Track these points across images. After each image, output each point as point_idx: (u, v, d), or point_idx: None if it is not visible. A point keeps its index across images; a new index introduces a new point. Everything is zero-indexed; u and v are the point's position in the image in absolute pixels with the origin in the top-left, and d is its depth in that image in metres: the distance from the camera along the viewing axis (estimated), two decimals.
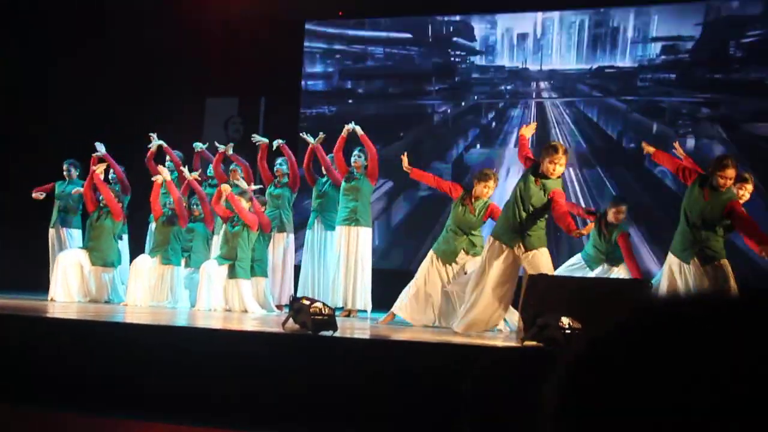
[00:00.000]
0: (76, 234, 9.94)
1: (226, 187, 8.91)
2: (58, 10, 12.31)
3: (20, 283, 10.63)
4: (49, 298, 9.11)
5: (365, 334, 6.56)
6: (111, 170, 10.01)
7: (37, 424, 5.45)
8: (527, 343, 5.30)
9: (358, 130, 8.96)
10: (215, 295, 8.65)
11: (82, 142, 10.51)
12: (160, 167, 9.62)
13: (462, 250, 7.65)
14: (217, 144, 9.93)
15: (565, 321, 5.20)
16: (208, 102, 12.72)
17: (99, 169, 9.52)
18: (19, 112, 12.17)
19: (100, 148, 9.87)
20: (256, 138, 9.78)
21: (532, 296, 5.69)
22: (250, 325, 6.91)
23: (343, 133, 9.11)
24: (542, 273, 6.18)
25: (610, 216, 7.77)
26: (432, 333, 6.76)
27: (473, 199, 7.62)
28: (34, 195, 10.01)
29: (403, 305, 7.61)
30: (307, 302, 5.75)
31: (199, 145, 10.16)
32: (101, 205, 9.51)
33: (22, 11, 12.29)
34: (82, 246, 9.57)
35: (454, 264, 7.67)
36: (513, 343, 5.58)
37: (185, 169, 9.43)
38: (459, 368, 4.93)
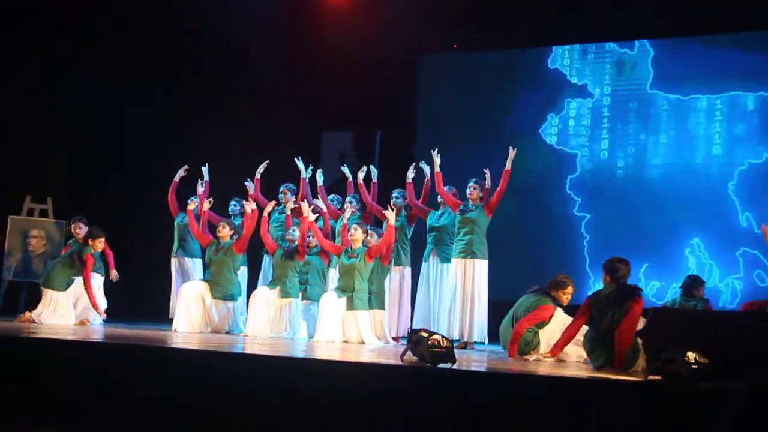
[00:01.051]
0: (198, 263, 10.17)
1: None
2: (176, 42, 12.68)
3: (146, 311, 10.95)
4: (172, 329, 9.34)
5: (482, 367, 6.48)
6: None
7: None
8: (652, 377, 5.13)
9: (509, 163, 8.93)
10: (333, 327, 8.71)
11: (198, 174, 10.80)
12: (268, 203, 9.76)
13: None
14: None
15: (691, 355, 5.02)
16: (324, 136, 12.91)
17: (206, 206, 9.71)
18: (143, 146, 12.59)
19: (206, 173, 10.07)
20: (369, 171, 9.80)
21: (655, 329, 5.53)
22: (367, 356, 6.90)
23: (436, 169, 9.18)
24: (666, 306, 6.01)
25: None
26: (550, 366, 6.63)
27: None
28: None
29: None
30: (425, 334, 5.71)
31: (310, 173, 10.20)
32: (218, 238, 9.69)
33: (138, 44, 12.70)
34: (203, 278, 9.77)
35: None
36: (636, 378, 5.43)
37: (304, 205, 9.48)
38: (581, 402, 4.84)
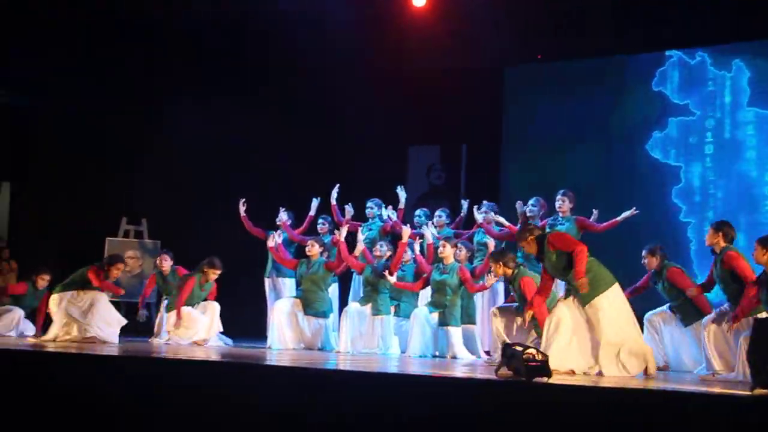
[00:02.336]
0: (290, 283, 10.26)
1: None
2: (263, 66, 12.89)
3: (244, 330, 11.11)
4: (267, 346, 9.45)
5: (578, 380, 6.38)
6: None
7: None
8: (758, 391, 4.99)
9: None
10: (425, 342, 8.70)
11: (289, 193, 10.91)
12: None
13: None
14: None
15: None
16: (410, 150, 12.93)
17: (341, 235, 9.79)
18: (234, 164, 12.80)
19: (350, 210, 10.20)
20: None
21: (760, 341, 5.37)
22: (461, 371, 6.87)
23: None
24: None
25: None
26: (644, 380, 6.50)
27: None
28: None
29: None
30: (520, 348, 5.67)
31: (402, 194, 10.21)
32: (308, 256, 9.78)
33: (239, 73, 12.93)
34: (295, 295, 9.86)
35: None
36: (742, 391, 5.28)
37: (406, 229, 9.43)
38: (683, 416, 4.72)
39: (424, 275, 9.10)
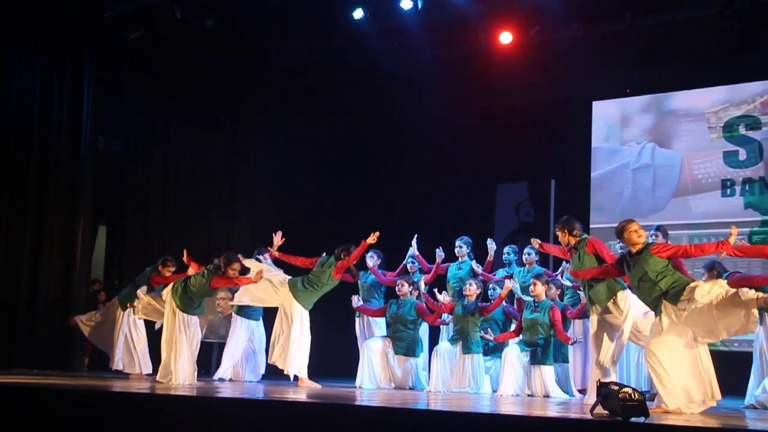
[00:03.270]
0: (381, 321, 10.25)
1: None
2: (356, 109, 13.02)
3: (335, 370, 11.13)
4: (357, 385, 9.45)
5: (679, 420, 6.20)
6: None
7: None
8: None
9: None
10: (517, 381, 8.60)
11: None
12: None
13: None
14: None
15: None
16: (499, 187, 12.88)
17: (423, 283, 9.85)
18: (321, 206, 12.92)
19: (440, 254, 10.14)
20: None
21: None
22: (554, 411, 6.75)
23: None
24: None
25: None
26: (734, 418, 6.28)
27: None
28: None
29: None
30: (616, 387, 5.54)
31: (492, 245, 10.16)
32: (398, 295, 9.79)
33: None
34: (386, 335, 9.84)
35: None
36: None
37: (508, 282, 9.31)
38: None
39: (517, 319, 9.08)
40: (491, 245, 10.03)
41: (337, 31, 12.58)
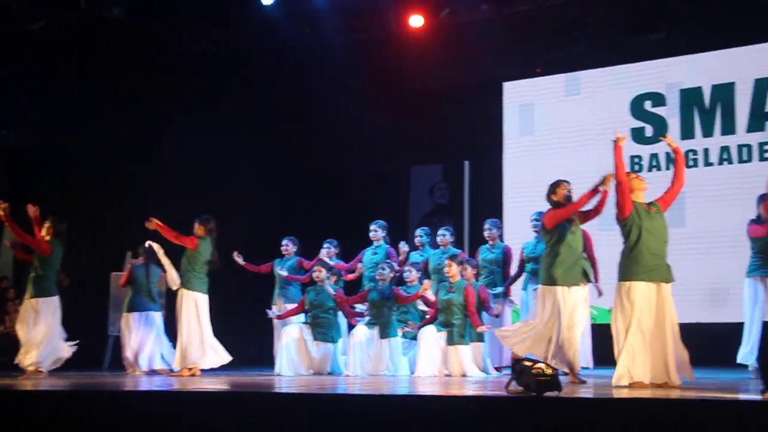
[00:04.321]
0: None
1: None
2: (264, 91, 12.92)
3: (250, 359, 11.06)
4: (275, 373, 9.41)
5: (590, 393, 6.32)
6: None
7: None
8: None
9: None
10: (434, 362, 8.66)
11: (289, 215, 10.86)
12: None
13: None
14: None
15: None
16: (413, 170, 12.93)
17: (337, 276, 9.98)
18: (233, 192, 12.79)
19: (404, 249, 10.16)
20: None
21: None
22: (471, 389, 6.82)
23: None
24: None
25: None
26: (654, 389, 6.42)
27: None
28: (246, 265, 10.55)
29: None
30: (529, 363, 5.61)
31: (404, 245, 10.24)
32: (314, 281, 9.78)
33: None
34: (304, 321, 9.81)
35: None
36: (756, 396, 5.22)
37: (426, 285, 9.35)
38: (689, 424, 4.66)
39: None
40: (403, 247, 10.09)
41: (247, 18, 12.44)
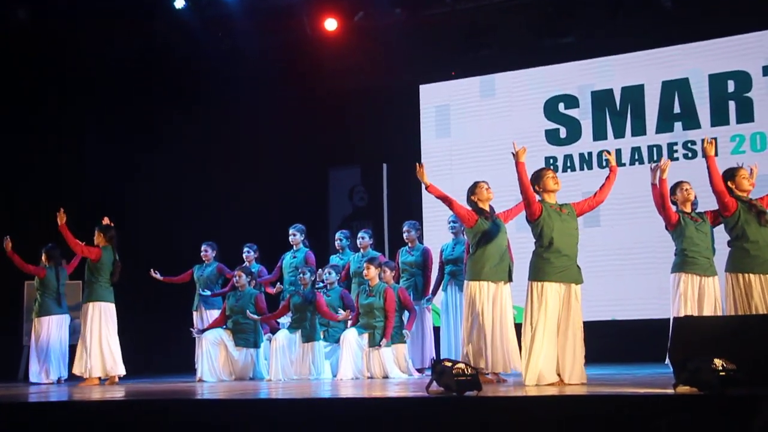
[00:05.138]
0: (217, 314, 10.16)
1: None
2: (175, 91, 12.80)
3: (172, 366, 10.95)
4: (196, 379, 9.34)
5: (508, 392, 6.43)
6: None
7: None
8: (680, 389, 5.09)
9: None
10: (356, 364, 8.71)
11: (209, 221, 10.78)
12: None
13: None
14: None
15: (718, 363, 4.96)
16: (331, 172, 12.94)
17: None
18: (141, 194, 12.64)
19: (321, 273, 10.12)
20: None
21: (680, 339, 5.49)
22: (393, 391, 6.88)
23: None
24: (688, 315, 5.97)
25: None
26: (586, 385, 6.57)
27: None
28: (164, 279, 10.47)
29: None
30: (449, 364, 5.69)
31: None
32: (236, 287, 9.75)
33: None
34: (224, 326, 9.76)
35: None
36: (667, 390, 5.38)
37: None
38: (605, 418, 4.79)
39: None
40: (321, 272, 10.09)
41: (158, 22, 12.31)
